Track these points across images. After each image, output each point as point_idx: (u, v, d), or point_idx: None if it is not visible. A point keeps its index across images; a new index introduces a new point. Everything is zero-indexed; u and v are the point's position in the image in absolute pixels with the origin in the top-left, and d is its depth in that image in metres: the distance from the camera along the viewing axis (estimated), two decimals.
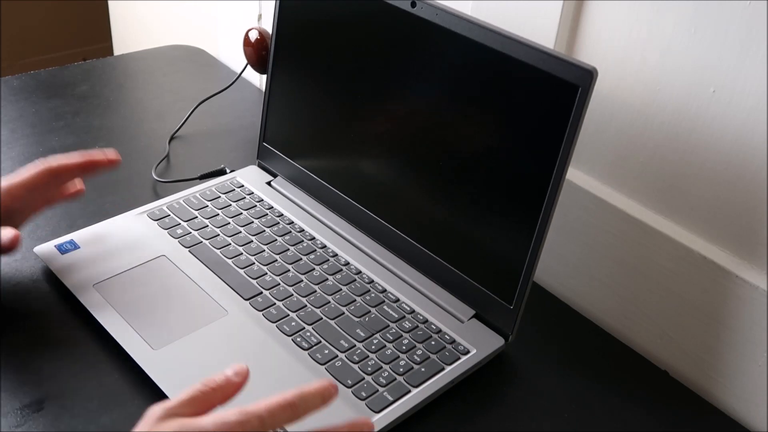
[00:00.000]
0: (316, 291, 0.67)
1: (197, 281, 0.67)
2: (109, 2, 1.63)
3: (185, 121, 0.94)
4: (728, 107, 0.59)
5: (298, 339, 0.62)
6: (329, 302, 0.66)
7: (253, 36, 0.92)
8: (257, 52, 0.92)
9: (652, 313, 0.68)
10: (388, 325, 0.64)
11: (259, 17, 1.08)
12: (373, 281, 0.69)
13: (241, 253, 0.71)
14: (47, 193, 0.67)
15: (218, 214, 0.76)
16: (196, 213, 0.76)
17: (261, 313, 0.65)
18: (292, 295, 0.67)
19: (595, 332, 0.71)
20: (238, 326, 0.63)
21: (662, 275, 0.66)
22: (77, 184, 0.70)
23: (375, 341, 0.63)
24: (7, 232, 0.62)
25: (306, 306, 0.66)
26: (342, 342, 0.62)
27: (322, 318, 0.65)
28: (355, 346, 0.62)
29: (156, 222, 0.74)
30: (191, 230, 0.73)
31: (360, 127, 0.73)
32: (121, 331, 0.62)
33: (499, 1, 0.72)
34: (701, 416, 0.63)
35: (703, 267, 0.63)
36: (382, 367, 0.60)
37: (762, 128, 0.58)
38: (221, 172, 0.84)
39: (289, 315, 0.65)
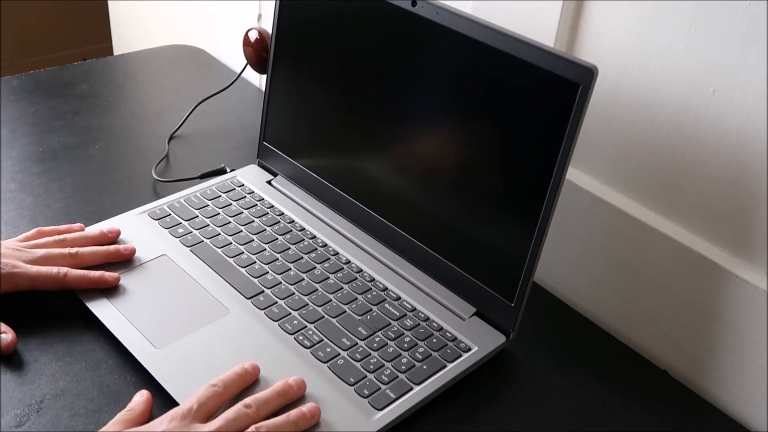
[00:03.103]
0: (317, 289, 0.68)
1: (199, 280, 0.68)
2: (109, 2, 1.63)
3: (184, 120, 0.94)
4: (728, 107, 0.59)
5: (300, 337, 0.62)
6: (331, 300, 0.66)
7: (253, 36, 0.92)
8: (257, 52, 0.92)
9: (651, 313, 0.68)
10: (390, 323, 0.65)
11: (259, 17, 1.08)
12: (374, 279, 0.69)
13: (242, 252, 0.71)
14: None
15: (219, 213, 0.76)
16: (196, 212, 0.76)
17: (263, 311, 0.65)
18: (294, 293, 0.67)
19: (595, 332, 0.71)
20: (240, 325, 0.63)
21: (662, 275, 0.66)
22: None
23: (377, 339, 0.63)
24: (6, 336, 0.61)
25: (308, 304, 0.66)
26: (344, 340, 0.62)
27: (323, 316, 0.65)
28: (356, 344, 0.62)
29: (157, 221, 0.74)
30: (192, 229, 0.73)
31: (360, 125, 0.73)
32: (124, 330, 0.62)
33: (500, 0, 0.72)
34: (701, 416, 0.63)
35: (703, 267, 0.63)
36: (384, 365, 0.61)
37: (762, 128, 0.58)
38: (221, 172, 0.84)
39: (290, 313, 0.65)
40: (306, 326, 0.64)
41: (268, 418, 0.55)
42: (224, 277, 0.68)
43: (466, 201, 0.65)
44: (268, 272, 0.69)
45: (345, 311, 0.65)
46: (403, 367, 0.61)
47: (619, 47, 0.65)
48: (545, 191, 0.59)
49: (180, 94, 1.02)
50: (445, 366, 0.61)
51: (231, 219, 0.76)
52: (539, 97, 0.58)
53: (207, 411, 0.54)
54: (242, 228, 0.74)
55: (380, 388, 0.59)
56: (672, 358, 0.67)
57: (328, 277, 0.69)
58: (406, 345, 0.63)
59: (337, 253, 0.72)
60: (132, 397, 0.57)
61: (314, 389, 0.58)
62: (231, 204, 0.78)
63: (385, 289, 0.68)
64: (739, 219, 0.61)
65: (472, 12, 0.73)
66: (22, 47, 2.16)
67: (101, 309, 0.64)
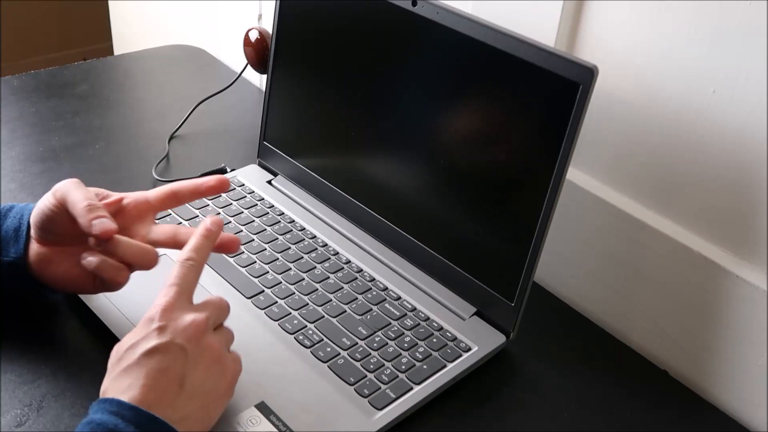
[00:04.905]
0: (317, 289, 0.68)
1: (199, 280, 0.67)
2: (109, 2, 1.63)
3: (185, 120, 0.94)
4: (728, 107, 0.59)
5: (300, 337, 0.62)
6: (331, 300, 0.66)
7: (253, 36, 0.92)
8: (257, 52, 0.92)
9: (652, 313, 0.68)
10: (390, 323, 0.65)
11: (259, 17, 1.08)
12: (374, 279, 0.69)
13: (243, 252, 0.71)
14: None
15: (219, 213, 0.76)
16: (196, 212, 0.76)
17: (263, 311, 0.65)
18: (294, 293, 0.67)
19: (594, 331, 0.71)
20: (240, 324, 0.63)
21: (662, 275, 0.66)
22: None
23: (377, 339, 0.63)
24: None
25: (308, 304, 0.66)
26: (344, 340, 0.62)
27: (323, 316, 0.65)
28: (357, 343, 0.62)
29: (157, 221, 0.74)
30: None
31: (360, 125, 0.73)
32: (125, 329, 0.62)
33: (500, 0, 0.72)
34: (701, 416, 0.63)
35: (703, 267, 0.63)
36: (384, 365, 0.61)
37: (762, 128, 0.58)
38: (222, 171, 0.84)
39: (291, 313, 0.65)
40: (306, 326, 0.64)
41: None
42: (224, 276, 0.68)
43: (466, 200, 0.65)
44: (268, 272, 0.69)
45: (345, 311, 0.65)
46: (403, 367, 0.61)
47: (619, 47, 0.65)
48: (545, 191, 0.59)
49: (180, 94, 1.02)
50: (445, 366, 0.61)
51: (231, 219, 0.76)
52: (539, 97, 0.58)
53: (191, 289, 0.54)
54: (242, 228, 0.74)
55: (380, 388, 0.59)
56: (672, 358, 0.67)
57: (328, 277, 0.69)
58: (406, 345, 0.63)
59: (337, 253, 0.72)
60: None
61: (314, 388, 0.58)
62: (231, 204, 0.78)
63: (385, 288, 0.69)
64: (739, 219, 0.61)
65: (473, 12, 0.73)
66: (22, 47, 2.17)
67: (102, 308, 0.64)
